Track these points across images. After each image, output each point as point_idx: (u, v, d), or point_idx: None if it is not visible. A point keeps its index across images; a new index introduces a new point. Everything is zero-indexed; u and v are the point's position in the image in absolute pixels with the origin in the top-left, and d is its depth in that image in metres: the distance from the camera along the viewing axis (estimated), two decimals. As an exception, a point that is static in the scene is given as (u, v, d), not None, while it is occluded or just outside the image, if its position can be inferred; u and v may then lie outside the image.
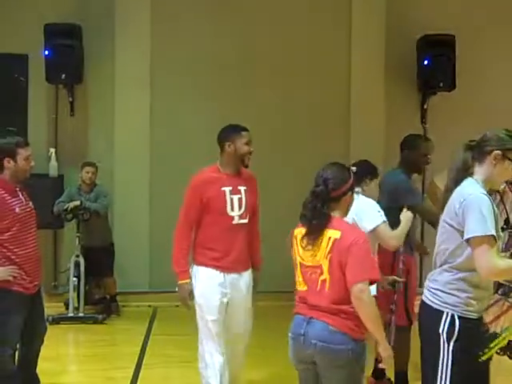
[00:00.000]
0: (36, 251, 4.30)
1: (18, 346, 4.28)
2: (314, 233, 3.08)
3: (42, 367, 4.63)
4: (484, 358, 2.99)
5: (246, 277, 4.29)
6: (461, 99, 8.07)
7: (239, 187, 4.20)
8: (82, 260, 6.97)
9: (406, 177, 4.86)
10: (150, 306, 7.66)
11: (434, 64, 7.90)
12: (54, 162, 7.74)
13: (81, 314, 6.92)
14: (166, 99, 8.06)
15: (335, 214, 3.15)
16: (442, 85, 7.91)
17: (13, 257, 4.14)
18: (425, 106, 8.26)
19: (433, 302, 3.01)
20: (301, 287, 3.19)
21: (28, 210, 4.29)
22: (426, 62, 7.96)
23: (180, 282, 4.15)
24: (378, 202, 4.43)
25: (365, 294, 2.99)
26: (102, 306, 7.33)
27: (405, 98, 8.31)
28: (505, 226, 4.63)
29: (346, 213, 3.24)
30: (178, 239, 4.19)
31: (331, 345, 3.02)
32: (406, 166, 4.87)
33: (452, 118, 8.16)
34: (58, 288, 7.78)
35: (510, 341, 3.59)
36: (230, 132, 4.25)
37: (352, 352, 3.03)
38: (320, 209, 3.09)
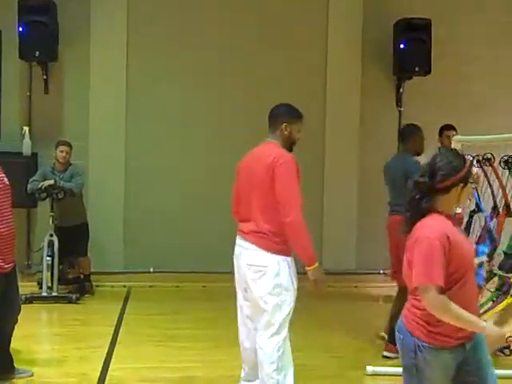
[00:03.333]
0: (11, 229, 4.27)
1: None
2: (406, 225, 2.87)
3: (16, 346, 4.64)
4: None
5: None
6: (436, 84, 8.14)
7: None
8: (55, 239, 6.90)
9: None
10: (124, 286, 7.66)
11: (410, 48, 7.94)
12: (27, 140, 7.65)
13: (54, 294, 6.87)
14: (142, 77, 8.01)
15: (440, 208, 2.82)
16: (417, 69, 7.95)
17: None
18: (400, 90, 8.31)
19: None
20: None
21: (0, 186, 4.25)
22: (402, 46, 7.99)
23: (316, 265, 3.79)
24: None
25: (426, 299, 2.72)
26: (75, 285, 7.29)
27: (381, 81, 8.35)
28: (476, 209, 4.72)
29: (455, 204, 2.93)
30: (303, 222, 3.72)
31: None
32: (412, 152, 5.36)
33: (427, 102, 8.23)
34: (31, 267, 7.73)
35: None
36: (289, 113, 3.97)
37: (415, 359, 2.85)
38: (417, 201, 2.82)
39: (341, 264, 8.19)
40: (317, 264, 3.76)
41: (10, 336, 4.47)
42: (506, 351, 4.19)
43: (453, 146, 4.76)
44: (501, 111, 8.07)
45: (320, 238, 8.00)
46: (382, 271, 8.36)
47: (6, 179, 4.36)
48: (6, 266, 4.24)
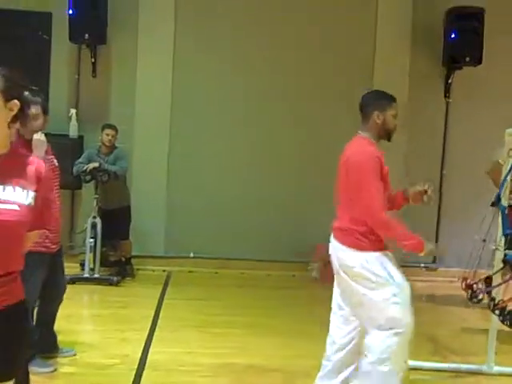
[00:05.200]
0: (58, 210, 4.32)
1: (37, 303, 4.33)
2: None
3: (59, 326, 4.69)
4: None
5: None
6: (486, 75, 7.94)
7: None
8: (98, 221, 6.99)
9: None
10: (164, 270, 7.72)
11: (462, 38, 7.77)
12: (74, 123, 7.74)
13: (96, 275, 6.97)
14: (189, 63, 8.02)
15: None
16: (468, 59, 7.77)
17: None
18: (449, 81, 8.13)
19: None
20: None
21: (50, 167, 4.29)
22: (453, 36, 7.82)
23: (424, 250, 3.54)
24: None
25: None
26: (117, 268, 7.36)
27: (430, 71, 8.20)
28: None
29: None
30: (385, 219, 3.55)
31: None
32: None
33: (476, 94, 8.05)
34: (73, 248, 7.83)
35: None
36: (379, 100, 3.70)
37: None
38: None
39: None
40: (425, 249, 3.51)
41: (55, 316, 4.54)
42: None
43: (506, 139, 4.61)
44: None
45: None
46: (423, 265, 8.25)
47: (55, 160, 4.42)
48: (53, 247, 4.30)
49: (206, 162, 8.07)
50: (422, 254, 3.56)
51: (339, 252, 3.69)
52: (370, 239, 3.58)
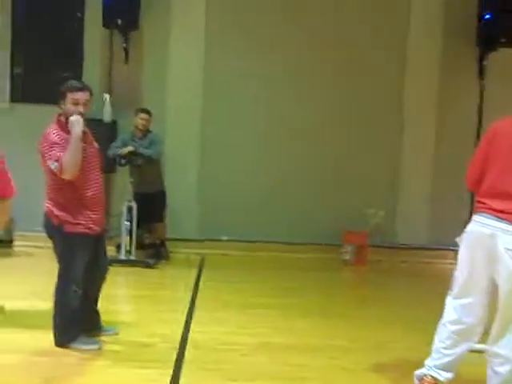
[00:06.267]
0: (101, 192, 4.38)
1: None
2: None
3: (99, 305, 4.75)
4: None
5: None
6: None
7: None
8: (134, 205, 7.05)
9: None
10: (197, 253, 7.77)
11: (497, 18, 7.65)
12: (108, 108, 7.80)
13: (132, 258, 7.04)
14: (221, 48, 8.04)
15: None
16: (503, 40, 7.67)
17: (79, 197, 4.23)
18: (484, 62, 8.02)
19: None
20: None
21: (91, 150, 4.37)
22: (487, 16, 7.71)
23: None
24: None
25: None
26: (152, 250, 7.43)
27: (463, 51, 8.10)
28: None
29: None
30: None
31: None
32: None
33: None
34: (108, 231, 7.89)
35: None
36: None
37: None
38: None
39: (414, 239, 8.11)
40: None
41: (98, 295, 4.61)
42: None
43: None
44: None
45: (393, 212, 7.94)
46: (451, 248, 8.18)
47: (95, 144, 4.49)
48: (97, 228, 4.36)
49: (239, 146, 8.09)
50: None
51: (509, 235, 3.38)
52: None
